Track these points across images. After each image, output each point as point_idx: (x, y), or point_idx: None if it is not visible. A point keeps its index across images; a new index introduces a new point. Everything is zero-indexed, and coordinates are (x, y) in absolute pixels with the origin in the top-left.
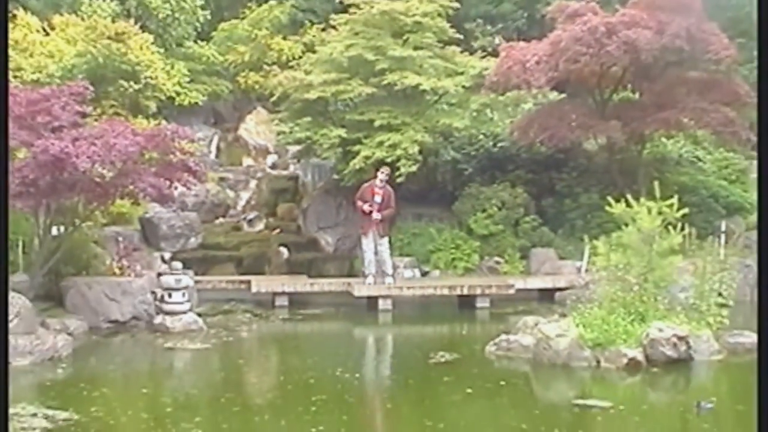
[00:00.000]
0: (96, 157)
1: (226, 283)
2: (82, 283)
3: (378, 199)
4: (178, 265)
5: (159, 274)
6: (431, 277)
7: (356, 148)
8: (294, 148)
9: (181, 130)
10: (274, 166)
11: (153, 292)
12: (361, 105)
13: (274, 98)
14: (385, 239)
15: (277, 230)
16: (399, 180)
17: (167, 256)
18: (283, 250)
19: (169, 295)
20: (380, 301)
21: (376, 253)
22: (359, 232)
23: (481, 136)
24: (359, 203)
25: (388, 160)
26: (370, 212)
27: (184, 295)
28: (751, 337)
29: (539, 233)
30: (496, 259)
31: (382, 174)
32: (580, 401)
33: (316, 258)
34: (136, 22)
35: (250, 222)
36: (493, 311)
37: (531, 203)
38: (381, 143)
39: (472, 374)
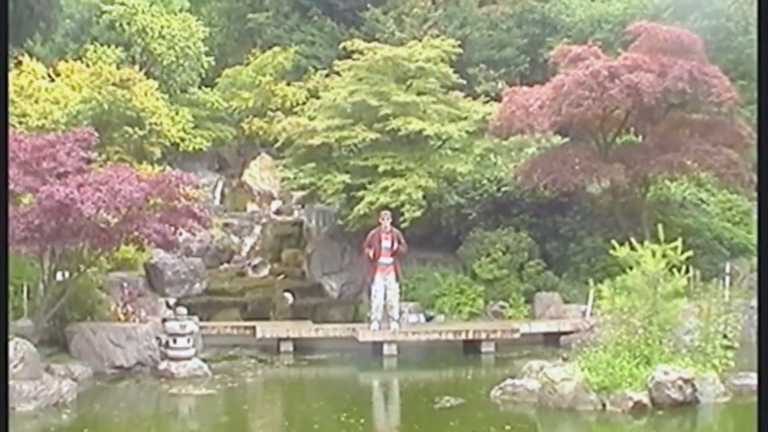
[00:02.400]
0: (101, 203)
1: (231, 328)
2: (87, 328)
3: (387, 244)
4: (182, 310)
5: (164, 320)
6: (436, 321)
7: (360, 193)
8: (298, 194)
9: (185, 176)
10: (278, 212)
11: (158, 338)
12: (365, 151)
13: (278, 144)
14: (396, 285)
15: (282, 276)
16: (403, 225)
17: (172, 301)
18: (288, 295)
19: (174, 341)
20: (385, 347)
21: (385, 297)
22: (367, 279)
23: (485, 181)
24: (367, 250)
25: (393, 205)
26: (378, 258)
27: (188, 340)
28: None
29: (544, 277)
30: (501, 303)
31: (385, 218)
32: None
33: (321, 303)
34: (140, 69)
35: (255, 268)
36: (498, 356)
37: (535, 247)
38: (385, 189)
39: (478, 419)
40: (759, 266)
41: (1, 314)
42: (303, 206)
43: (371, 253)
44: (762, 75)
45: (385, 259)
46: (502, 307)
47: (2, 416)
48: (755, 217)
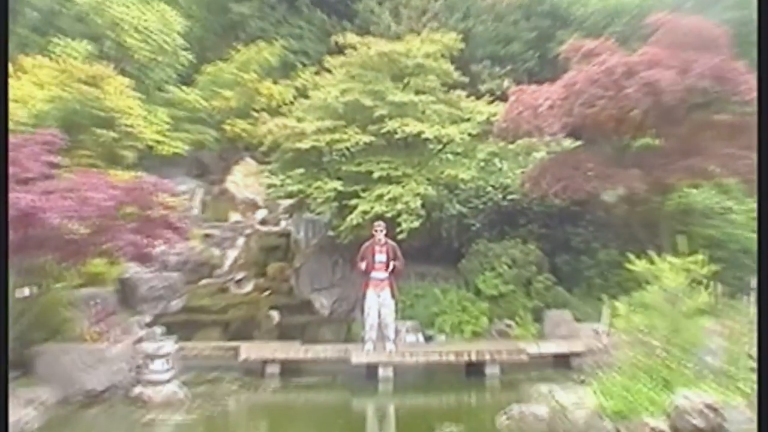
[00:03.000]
0: (68, 212)
1: (212, 349)
2: (54, 349)
3: (381, 257)
4: (158, 330)
5: (138, 341)
6: (436, 342)
7: (353, 202)
8: (285, 202)
9: (161, 182)
10: (263, 222)
11: (131, 360)
12: (359, 155)
13: (263, 148)
14: (392, 302)
15: (268, 292)
16: (400, 236)
17: (147, 320)
18: (274, 313)
19: (149, 364)
20: (381, 369)
21: (379, 315)
22: (359, 294)
23: (490, 188)
24: (360, 264)
25: (388, 215)
26: (371, 272)
27: (165, 363)
28: None
29: (553, 293)
30: (507, 321)
31: (379, 229)
32: None
33: (310, 322)
34: (112, 65)
35: (238, 283)
36: (504, 379)
37: (544, 261)
38: (380, 197)
39: None
40: (759, 266)
41: (1, 314)
42: (290, 216)
43: (364, 268)
44: (762, 75)
45: (380, 273)
46: (508, 325)
47: (2, 416)
48: None
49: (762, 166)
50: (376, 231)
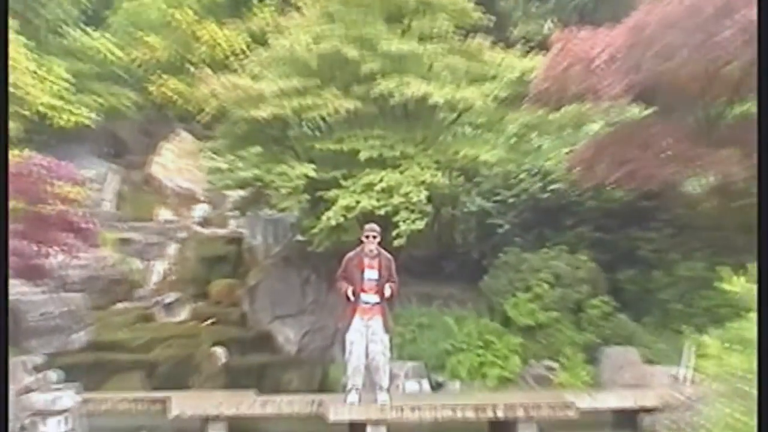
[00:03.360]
0: None
1: (131, 402)
2: None
3: (372, 274)
4: (54, 375)
5: (23, 391)
6: (448, 391)
7: (331, 193)
8: (235, 195)
9: (59, 165)
10: (204, 222)
11: (14, 419)
12: (339, 128)
13: (204, 117)
14: (386, 336)
15: (210, 320)
16: (397, 243)
17: (38, 361)
18: (220, 351)
19: (40, 424)
20: (369, 429)
21: (367, 355)
22: (341, 324)
23: (524, 175)
24: (342, 284)
25: (381, 212)
26: (358, 295)
27: (63, 422)
28: None
29: (614, 324)
30: (548, 363)
31: (371, 236)
32: None
33: (271, 364)
34: None
35: (169, 308)
36: None
37: (600, 277)
38: (369, 186)
39: None
40: (759, 266)
41: (1, 315)
42: (243, 213)
43: (349, 290)
44: (762, 74)
45: (370, 297)
46: (550, 369)
47: (2, 416)
48: None
49: (762, 165)
50: (366, 238)
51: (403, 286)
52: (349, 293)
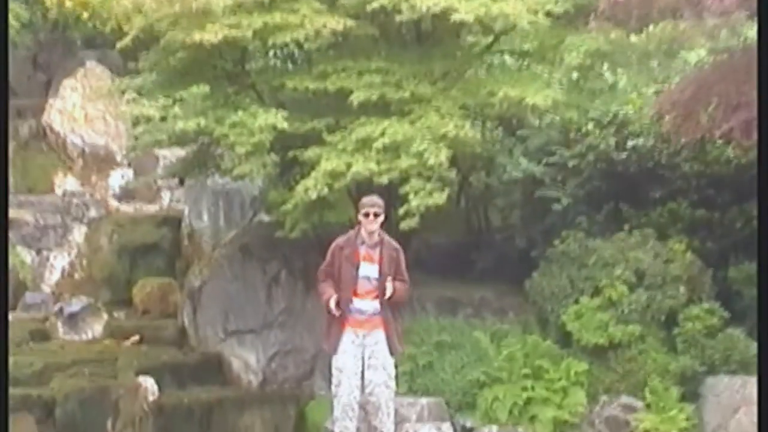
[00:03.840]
0: None
1: None
2: None
3: (370, 270)
4: None
5: None
6: None
7: (310, 153)
8: (171, 155)
9: None
10: (126, 195)
11: None
12: (321, 58)
13: (124, 42)
14: (389, 360)
15: (134, 338)
16: (406, 225)
17: None
18: (148, 383)
19: None
20: None
21: (364, 387)
22: (325, 345)
23: (590, 126)
24: (325, 286)
25: (382, 179)
26: (349, 301)
27: None
28: None
29: (724, 343)
30: (627, 400)
31: (371, 214)
32: None
33: (223, 402)
34: None
35: (73, 320)
36: None
37: (705, 274)
38: (366, 143)
39: None
40: (759, 265)
41: (1, 315)
42: (182, 182)
43: (332, 298)
44: (762, 74)
45: (366, 303)
46: (630, 408)
47: (2, 415)
48: None
49: (762, 165)
50: (365, 216)
51: (415, 287)
52: (332, 303)
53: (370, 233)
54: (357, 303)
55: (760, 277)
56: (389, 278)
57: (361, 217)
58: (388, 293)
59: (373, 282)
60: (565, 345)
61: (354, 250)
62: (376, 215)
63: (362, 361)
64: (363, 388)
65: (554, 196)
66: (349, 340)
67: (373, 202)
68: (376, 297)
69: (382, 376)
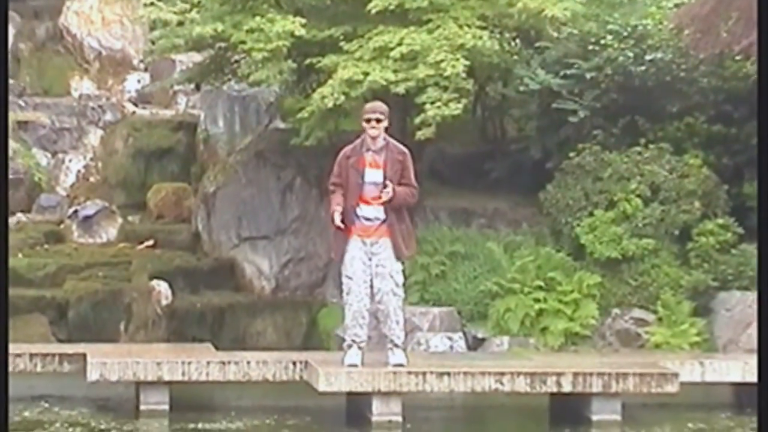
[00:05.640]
0: None
1: (32, 357)
2: None
3: (375, 175)
4: None
5: None
6: (492, 350)
7: (327, 61)
8: (188, 60)
9: None
10: (142, 99)
11: None
12: None
13: None
14: (396, 266)
15: (148, 242)
16: (422, 134)
17: None
18: (161, 287)
19: None
20: (376, 404)
21: (373, 294)
22: (334, 253)
23: (609, 38)
24: (336, 195)
25: (399, 89)
26: (355, 207)
27: None
28: None
29: (737, 258)
30: (639, 314)
31: (372, 120)
32: None
33: (235, 307)
34: None
35: (87, 223)
36: None
37: (719, 190)
38: (383, 51)
39: None
40: (759, 265)
41: (1, 314)
42: (197, 88)
43: (336, 211)
44: (762, 74)
45: (371, 210)
46: (642, 322)
47: (2, 416)
48: None
49: (762, 165)
50: (367, 122)
51: (428, 197)
52: (336, 217)
53: (374, 139)
54: (364, 209)
55: (761, 274)
56: (389, 182)
57: (363, 124)
58: (385, 197)
59: (379, 187)
60: (578, 257)
61: (359, 158)
62: (378, 121)
63: (371, 268)
64: (373, 295)
65: (571, 108)
66: (356, 247)
67: (375, 108)
68: (383, 203)
69: (390, 283)
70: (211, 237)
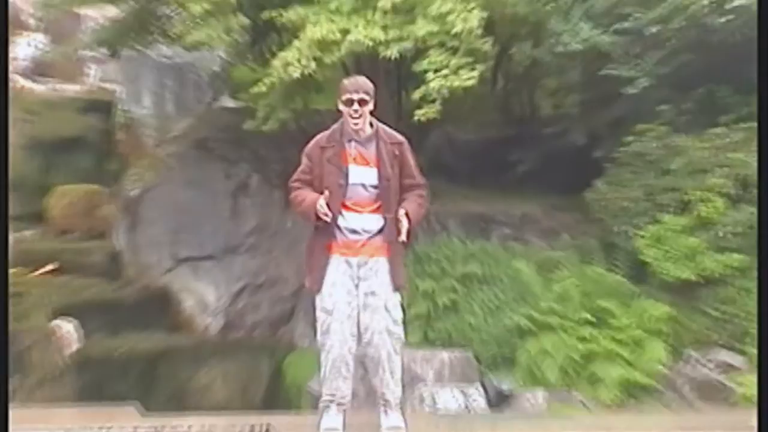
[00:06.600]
0: None
1: None
2: None
3: (362, 175)
4: None
5: None
6: (523, 409)
7: (290, 14)
8: (99, 14)
9: None
10: (39, 70)
11: None
12: None
13: None
14: (394, 299)
15: (49, 266)
16: (423, 114)
17: None
18: (68, 327)
19: None
20: None
21: (359, 337)
22: (306, 281)
23: None
24: (299, 195)
25: (391, 51)
26: (335, 217)
27: None
28: None
29: None
30: (721, 356)
31: (355, 102)
32: None
33: (171, 351)
34: None
35: None
36: None
37: None
38: (366, 1)
39: None
40: (759, 265)
41: (1, 314)
42: (113, 53)
43: (319, 198)
44: (762, 74)
45: (361, 218)
46: (727, 367)
47: (2, 415)
48: None
49: (762, 165)
50: (347, 104)
51: (432, 200)
52: (321, 204)
53: (356, 127)
54: (349, 219)
55: (760, 277)
56: (402, 213)
57: (342, 107)
58: (405, 236)
59: (370, 190)
60: (639, 280)
61: (340, 150)
62: (362, 103)
63: (358, 300)
64: (359, 336)
65: (626, 76)
66: (338, 269)
67: (357, 85)
68: (376, 211)
69: (383, 319)
70: (136, 258)
